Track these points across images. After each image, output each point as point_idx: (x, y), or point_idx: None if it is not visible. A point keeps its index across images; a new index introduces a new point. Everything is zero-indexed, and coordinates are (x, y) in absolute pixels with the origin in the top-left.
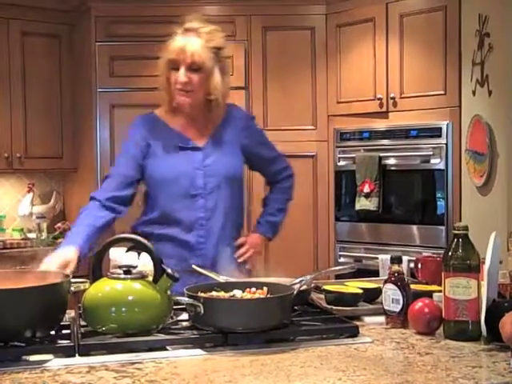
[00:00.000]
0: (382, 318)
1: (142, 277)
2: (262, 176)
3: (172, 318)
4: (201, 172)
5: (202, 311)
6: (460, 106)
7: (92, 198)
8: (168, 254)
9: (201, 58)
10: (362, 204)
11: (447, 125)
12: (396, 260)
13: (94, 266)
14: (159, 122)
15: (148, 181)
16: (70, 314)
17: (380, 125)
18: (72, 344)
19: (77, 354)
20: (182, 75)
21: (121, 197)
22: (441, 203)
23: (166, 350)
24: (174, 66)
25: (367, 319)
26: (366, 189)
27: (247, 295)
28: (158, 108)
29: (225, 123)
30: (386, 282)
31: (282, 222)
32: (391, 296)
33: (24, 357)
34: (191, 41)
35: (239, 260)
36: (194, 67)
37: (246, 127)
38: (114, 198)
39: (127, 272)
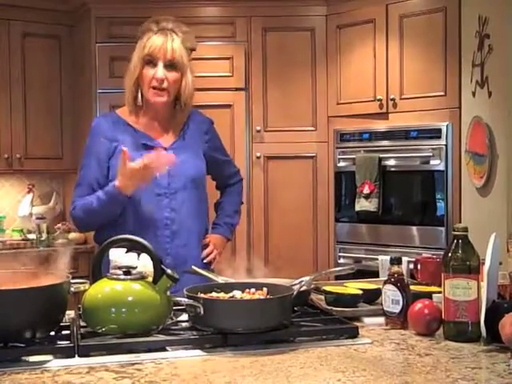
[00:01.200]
0: (381, 319)
1: (141, 277)
2: (213, 180)
3: (172, 318)
4: (165, 172)
5: (202, 312)
6: (460, 107)
7: (74, 208)
8: None
9: (180, 55)
10: (361, 205)
11: (447, 126)
12: (396, 261)
13: (93, 266)
14: (122, 121)
15: (111, 182)
16: (70, 314)
17: (380, 126)
18: (72, 345)
19: (76, 355)
20: (160, 71)
21: None
22: (440, 204)
23: (166, 350)
24: (150, 61)
25: (367, 320)
26: (366, 190)
27: (247, 296)
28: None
29: (187, 125)
30: (385, 282)
31: (237, 224)
32: (391, 297)
33: (24, 357)
34: (171, 38)
35: (205, 260)
36: (171, 64)
37: (208, 131)
38: None
39: (127, 273)
